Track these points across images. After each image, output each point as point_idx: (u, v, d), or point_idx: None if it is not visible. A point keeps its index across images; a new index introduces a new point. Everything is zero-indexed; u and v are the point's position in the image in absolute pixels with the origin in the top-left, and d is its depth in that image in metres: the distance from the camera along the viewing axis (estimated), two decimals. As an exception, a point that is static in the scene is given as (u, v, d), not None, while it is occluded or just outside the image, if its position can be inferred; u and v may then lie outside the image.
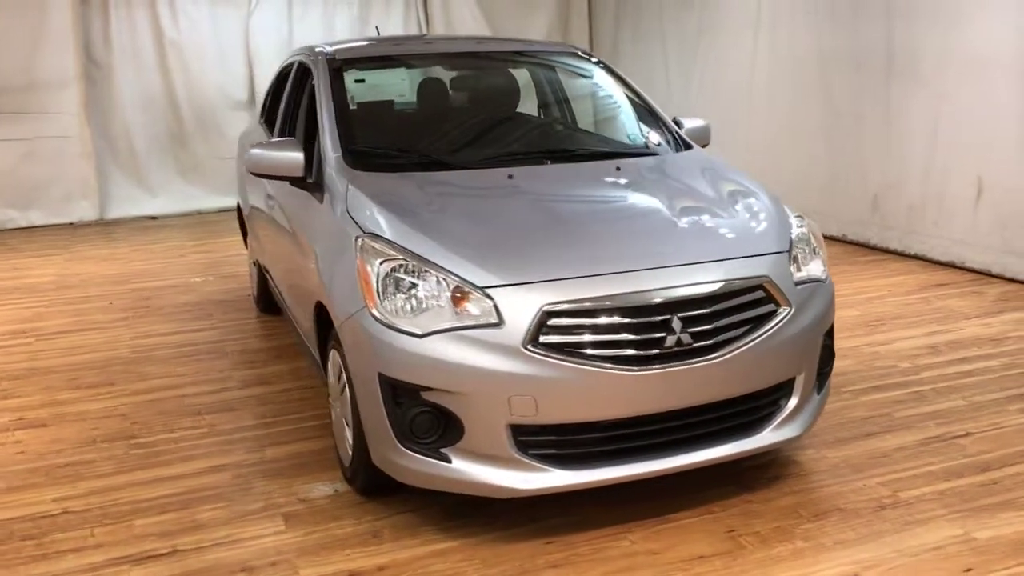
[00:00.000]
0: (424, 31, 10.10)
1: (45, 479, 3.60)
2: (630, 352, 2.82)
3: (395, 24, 10.05)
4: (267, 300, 5.68)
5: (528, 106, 4.31)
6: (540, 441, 2.86)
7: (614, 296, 2.84)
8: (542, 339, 2.78)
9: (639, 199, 3.37)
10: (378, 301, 2.92)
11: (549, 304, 2.80)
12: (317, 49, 4.37)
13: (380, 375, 2.89)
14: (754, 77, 7.86)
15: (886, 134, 6.76)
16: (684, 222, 3.23)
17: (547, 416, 2.81)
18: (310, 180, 3.68)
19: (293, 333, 5.25)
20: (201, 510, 3.31)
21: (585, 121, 4.13)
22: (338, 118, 3.74)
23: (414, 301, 2.89)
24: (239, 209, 5.88)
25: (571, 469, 2.88)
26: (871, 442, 3.66)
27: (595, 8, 10.41)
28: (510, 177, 3.44)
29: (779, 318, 3.05)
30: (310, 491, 3.42)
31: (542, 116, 4.29)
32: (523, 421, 2.80)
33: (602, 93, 4.28)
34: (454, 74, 4.45)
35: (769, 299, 3.06)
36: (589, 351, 2.80)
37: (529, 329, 2.77)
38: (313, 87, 4.04)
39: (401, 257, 2.96)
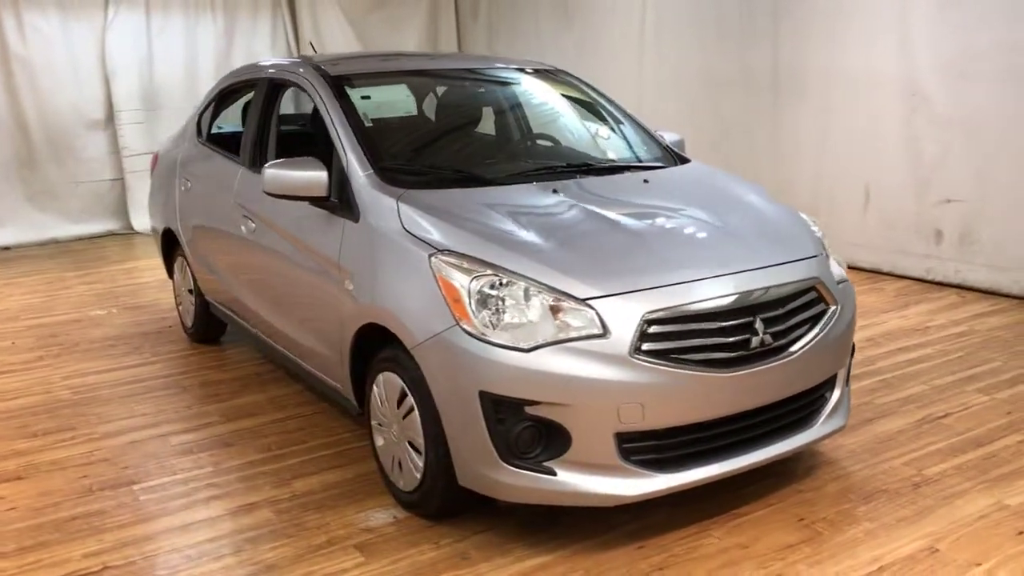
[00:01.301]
0: (292, 47, 9.84)
1: (59, 535, 3.28)
2: (722, 355, 2.95)
3: (262, 40, 9.75)
4: (206, 330, 5.39)
5: (524, 123, 4.35)
6: (641, 447, 2.92)
7: (706, 301, 2.96)
8: (644, 347, 2.85)
9: (687, 208, 3.50)
10: (473, 318, 2.89)
11: (650, 312, 2.87)
12: (297, 66, 4.21)
13: (482, 392, 2.85)
14: (642, 95, 8.21)
15: (775, 148, 7.28)
16: (737, 229, 3.39)
17: (651, 422, 2.88)
18: (332, 200, 3.55)
19: (253, 361, 5.04)
20: (263, 550, 3.13)
21: (586, 136, 4.23)
22: (359, 136, 3.64)
23: (511, 316, 2.88)
24: (164, 234, 5.52)
25: (669, 472, 2.96)
26: (872, 428, 3.96)
27: (464, 28, 10.51)
28: (555, 191, 3.49)
29: (830, 316, 3.27)
30: (367, 520, 3.31)
31: (545, 132, 4.34)
32: (630, 429, 2.86)
33: (592, 110, 4.39)
34: (457, 90, 4.42)
35: (820, 299, 3.27)
36: (687, 356, 2.90)
37: (634, 337, 2.84)
38: (315, 106, 3.90)
39: (491, 272, 2.94)
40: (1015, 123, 5.73)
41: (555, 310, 2.88)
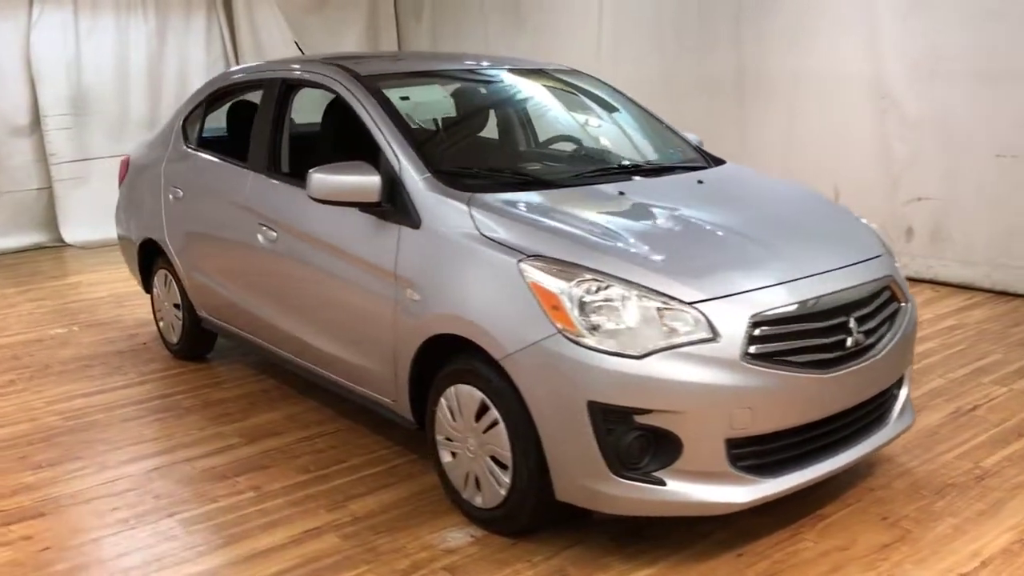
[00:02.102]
0: (228, 48, 9.46)
1: None
2: (823, 356, 2.92)
3: (197, 42, 9.34)
4: (194, 347, 5.09)
5: (563, 124, 4.24)
6: (747, 452, 2.86)
7: (807, 301, 2.92)
8: (752, 349, 2.79)
9: (753, 209, 3.47)
10: (578, 325, 2.77)
11: (756, 314, 2.82)
12: (321, 67, 3.99)
13: (591, 402, 2.74)
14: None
15: (742, 150, 7.34)
16: (809, 229, 3.37)
17: (760, 427, 2.83)
18: (385, 205, 3.38)
19: (251, 378, 4.78)
20: (346, 579, 2.94)
21: (624, 138, 4.15)
22: (409, 138, 3.48)
23: (616, 321, 2.78)
24: (143, 246, 5.18)
25: (772, 477, 2.91)
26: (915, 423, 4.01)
27: (406, 30, 10.31)
28: (621, 193, 3.40)
29: (903, 313, 3.29)
30: (445, 540, 3.16)
31: (586, 133, 4.23)
32: (740, 434, 2.80)
33: (623, 110, 4.32)
34: (489, 91, 4.27)
35: (894, 297, 3.29)
36: (790, 358, 2.86)
37: (744, 341, 2.78)
38: (350, 108, 3.70)
39: (591, 277, 2.83)
40: (983, 123, 5.93)
41: (660, 314, 2.79)
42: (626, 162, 3.83)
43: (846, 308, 3.01)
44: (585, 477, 2.83)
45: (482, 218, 3.13)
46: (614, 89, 4.42)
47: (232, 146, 4.63)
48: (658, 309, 2.79)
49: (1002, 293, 5.95)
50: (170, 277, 5.02)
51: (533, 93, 4.27)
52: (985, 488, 3.41)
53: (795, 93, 6.93)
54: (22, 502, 3.53)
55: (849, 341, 2.98)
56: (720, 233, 3.18)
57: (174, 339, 5.15)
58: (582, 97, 4.35)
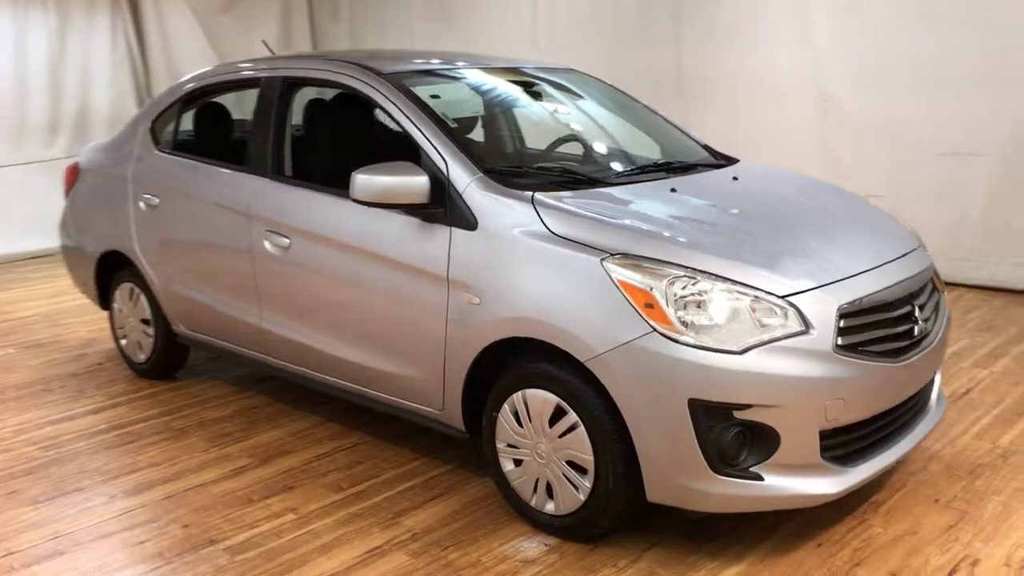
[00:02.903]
0: (135, 48, 8.95)
1: (170, 614, 2.76)
2: (896, 344, 2.98)
3: (101, 41, 8.79)
4: (165, 365, 4.77)
5: (589, 123, 4.18)
6: (834, 443, 2.88)
7: (882, 291, 2.97)
8: (840, 341, 2.82)
9: (800, 204, 3.52)
10: (675, 322, 2.73)
11: (843, 305, 2.85)
12: (337, 66, 3.80)
13: (692, 400, 2.70)
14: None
15: (683, 148, 7.50)
16: (855, 222, 3.44)
17: (849, 417, 2.86)
18: (433, 207, 3.24)
19: (238, 395, 4.53)
20: (432, 599, 2.80)
21: (646, 137, 4.12)
22: (453, 138, 3.35)
23: (711, 317, 2.76)
24: (103, 259, 4.82)
25: (855, 466, 2.95)
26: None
27: (321, 29, 10.01)
28: (673, 190, 3.38)
29: (944, 301, 3.40)
30: (519, 551, 3.05)
31: (611, 132, 4.17)
32: (832, 425, 2.82)
33: (636, 111, 4.30)
34: (514, 90, 4.15)
35: (934, 286, 3.39)
36: (870, 348, 2.91)
37: (834, 332, 2.80)
38: (379, 108, 3.56)
39: (682, 274, 2.80)
40: (924, 124, 6.23)
41: (753, 308, 2.78)
42: (659, 160, 3.80)
43: (910, 297, 3.09)
44: (682, 476, 2.79)
45: (551, 217, 3.04)
46: (617, 89, 4.40)
47: (217, 148, 4.37)
48: (751, 303, 2.78)
49: (949, 284, 6.27)
50: (137, 291, 4.68)
51: (557, 94, 4.19)
52: (1013, 466, 3.56)
53: (735, 94, 7.09)
54: (33, 540, 3.21)
55: (916, 329, 3.06)
56: (782, 227, 3.20)
57: (141, 357, 4.80)
58: (600, 98, 4.31)
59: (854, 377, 2.83)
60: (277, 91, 3.99)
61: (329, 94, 4.24)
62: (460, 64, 4.08)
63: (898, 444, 3.12)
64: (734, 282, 2.80)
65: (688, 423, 2.73)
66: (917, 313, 3.08)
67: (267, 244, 3.85)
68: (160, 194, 4.43)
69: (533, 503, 3.15)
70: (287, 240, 3.77)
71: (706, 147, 4.20)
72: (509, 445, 3.18)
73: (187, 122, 4.68)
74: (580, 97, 4.27)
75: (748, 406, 2.73)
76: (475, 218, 3.17)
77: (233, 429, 4.16)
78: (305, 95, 4.27)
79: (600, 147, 4.03)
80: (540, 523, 3.15)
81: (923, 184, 6.30)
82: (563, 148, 4.03)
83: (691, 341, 2.72)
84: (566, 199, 3.16)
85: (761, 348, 2.73)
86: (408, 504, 3.40)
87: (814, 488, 2.84)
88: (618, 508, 2.95)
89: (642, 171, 3.62)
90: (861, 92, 6.46)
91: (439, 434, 3.56)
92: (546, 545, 3.08)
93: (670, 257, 2.85)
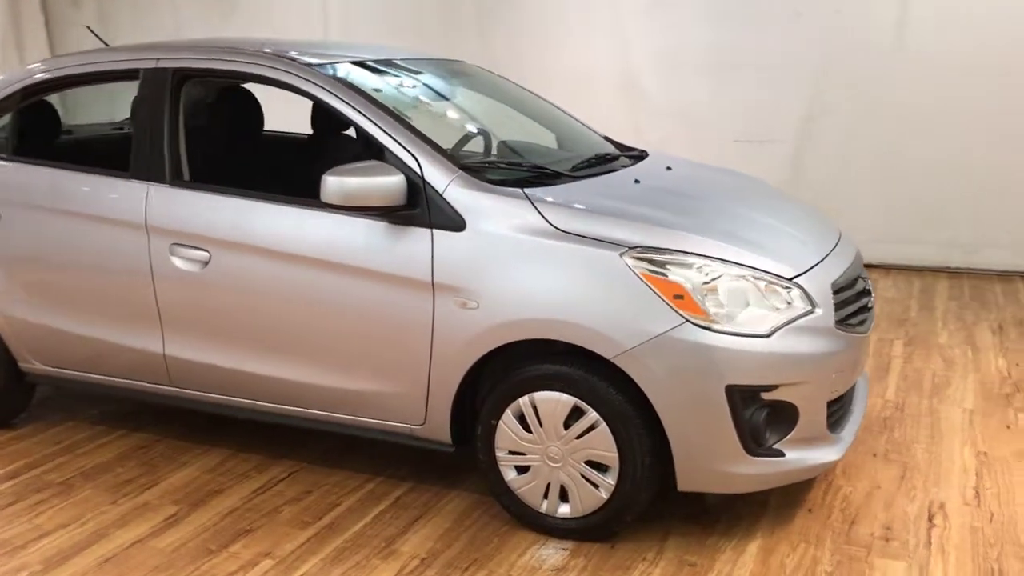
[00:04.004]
0: None
1: None
2: (861, 317, 3.22)
3: None
4: (6, 409, 4.05)
5: (510, 116, 4.03)
6: (831, 412, 3.07)
7: (849, 268, 3.21)
8: (836, 316, 3.01)
9: (746, 191, 3.68)
10: (707, 311, 2.77)
11: (834, 282, 3.04)
12: (258, 57, 3.40)
13: (729, 386, 2.76)
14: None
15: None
16: (794, 211, 3.63)
17: (842, 387, 3.07)
18: (411, 209, 3.03)
19: (109, 435, 4.05)
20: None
21: (564, 130, 4.06)
22: (422, 136, 3.14)
23: (736, 304, 2.83)
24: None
25: (842, 431, 3.16)
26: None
27: (58, 19, 8.83)
28: (637, 181, 3.40)
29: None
30: (542, 560, 2.96)
31: (536, 125, 4.03)
32: (834, 396, 3.01)
33: (536, 103, 4.23)
34: (430, 83, 3.87)
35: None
36: (851, 320, 3.12)
37: (833, 309, 2.98)
38: (326, 106, 3.25)
39: (702, 263, 2.84)
40: (720, 111, 6.75)
41: (768, 292, 2.89)
42: (590, 153, 3.78)
43: (858, 275, 3.35)
44: (718, 462, 2.84)
45: (553, 213, 2.95)
46: (514, 83, 4.34)
47: (55, 151, 3.77)
48: (764, 287, 2.88)
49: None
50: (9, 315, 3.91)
51: (469, 86, 4.04)
52: (910, 415, 4.00)
53: (546, 86, 7.18)
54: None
55: (869, 302, 3.33)
56: (747, 214, 3.34)
57: (-18, 405, 4.03)
58: (505, 91, 4.22)
59: (846, 349, 3.03)
60: (161, 87, 3.51)
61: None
62: (372, 56, 3.80)
63: (857, 408, 3.38)
64: (749, 267, 2.89)
65: (725, 409, 2.78)
66: (868, 286, 3.35)
67: (175, 260, 3.38)
68: (3, 208, 3.73)
69: (543, 509, 3.06)
70: (205, 253, 3.33)
71: (606, 137, 4.26)
72: (512, 452, 3.05)
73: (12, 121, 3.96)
74: (493, 89, 4.17)
75: (775, 387, 2.83)
76: (461, 218, 3.00)
77: (131, 475, 3.61)
78: (192, 91, 3.76)
79: (534, 141, 3.95)
80: (551, 528, 3.07)
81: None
82: (470, 145, 3.91)
83: (724, 329, 2.77)
84: (558, 194, 3.08)
85: (783, 330, 2.85)
86: (394, 529, 3.15)
87: (823, 457, 3.01)
88: (645, 501, 2.95)
89: (590, 164, 3.60)
90: (662, 82, 6.87)
91: (373, 450, 3.44)
92: (564, 549, 3.01)
93: (689, 247, 2.88)
